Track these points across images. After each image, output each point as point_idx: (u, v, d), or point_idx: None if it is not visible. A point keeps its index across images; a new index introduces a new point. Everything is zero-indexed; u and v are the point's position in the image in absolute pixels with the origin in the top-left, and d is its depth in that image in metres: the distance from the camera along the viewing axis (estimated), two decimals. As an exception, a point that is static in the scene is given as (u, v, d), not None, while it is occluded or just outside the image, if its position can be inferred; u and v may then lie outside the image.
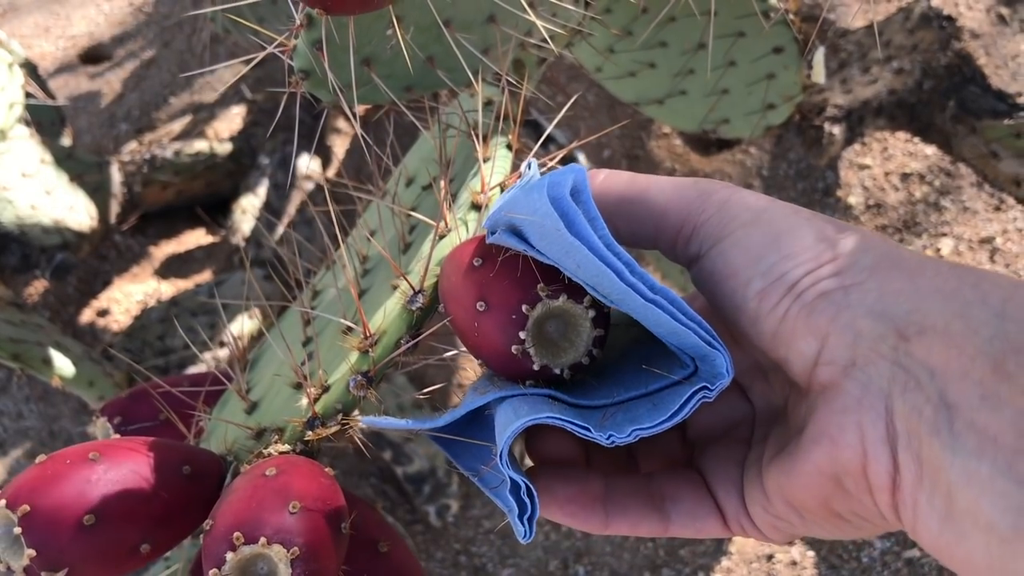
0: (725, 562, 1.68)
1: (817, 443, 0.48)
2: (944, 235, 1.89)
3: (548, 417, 0.49)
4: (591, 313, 0.52)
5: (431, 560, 1.71)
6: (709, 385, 0.50)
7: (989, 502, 0.41)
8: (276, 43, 0.66)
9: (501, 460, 0.49)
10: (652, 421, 0.50)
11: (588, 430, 0.50)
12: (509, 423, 0.49)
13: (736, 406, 0.60)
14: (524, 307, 0.50)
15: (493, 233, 0.54)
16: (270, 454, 0.59)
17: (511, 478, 0.49)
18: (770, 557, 1.66)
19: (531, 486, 0.49)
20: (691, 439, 0.61)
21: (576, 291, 0.51)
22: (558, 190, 0.49)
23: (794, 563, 1.65)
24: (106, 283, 2.08)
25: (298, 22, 0.66)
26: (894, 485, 0.46)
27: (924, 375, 0.44)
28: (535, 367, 0.51)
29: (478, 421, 0.57)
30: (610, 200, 0.56)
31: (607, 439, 0.49)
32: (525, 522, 0.49)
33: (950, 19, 1.63)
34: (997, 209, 1.90)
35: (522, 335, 0.50)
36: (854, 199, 1.97)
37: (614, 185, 0.56)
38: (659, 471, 0.59)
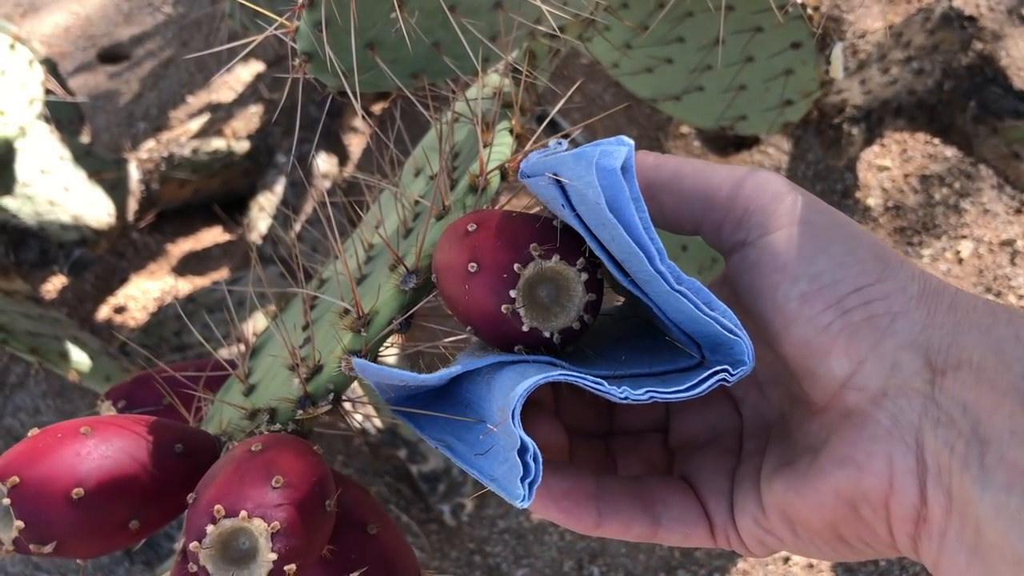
0: (741, 564, 1.66)
1: (840, 467, 0.48)
2: (964, 237, 1.88)
3: (561, 374, 0.48)
4: (584, 276, 0.51)
5: (445, 559, 1.71)
6: (731, 369, 0.49)
7: (1018, 536, 0.41)
8: (277, 24, 0.65)
9: (513, 420, 0.48)
10: (667, 389, 0.49)
11: (601, 384, 0.49)
12: (515, 384, 0.48)
13: (725, 415, 0.59)
14: (516, 266, 0.50)
15: (529, 177, 0.54)
16: (262, 433, 0.58)
17: (521, 439, 0.48)
18: (787, 559, 1.65)
19: (538, 451, 0.48)
20: (672, 445, 0.60)
21: (570, 253, 0.51)
22: (609, 161, 0.48)
23: (811, 565, 1.64)
24: (123, 280, 2.09)
25: (300, 2, 0.65)
26: (918, 517, 0.46)
27: (957, 410, 0.45)
28: (524, 328, 0.50)
29: (445, 397, 0.56)
30: (662, 175, 0.54)
31: (621, 394, 0.48)
32: (526, 486, 0.48)
33: (971, 19, 1.62)
34: (1018, 211, 1.88)
35: (512, 294, 0.50)
36: (873, 201, 1.95)
37: (667, 162, 0.55)
38: (645, 475, 0.58)
